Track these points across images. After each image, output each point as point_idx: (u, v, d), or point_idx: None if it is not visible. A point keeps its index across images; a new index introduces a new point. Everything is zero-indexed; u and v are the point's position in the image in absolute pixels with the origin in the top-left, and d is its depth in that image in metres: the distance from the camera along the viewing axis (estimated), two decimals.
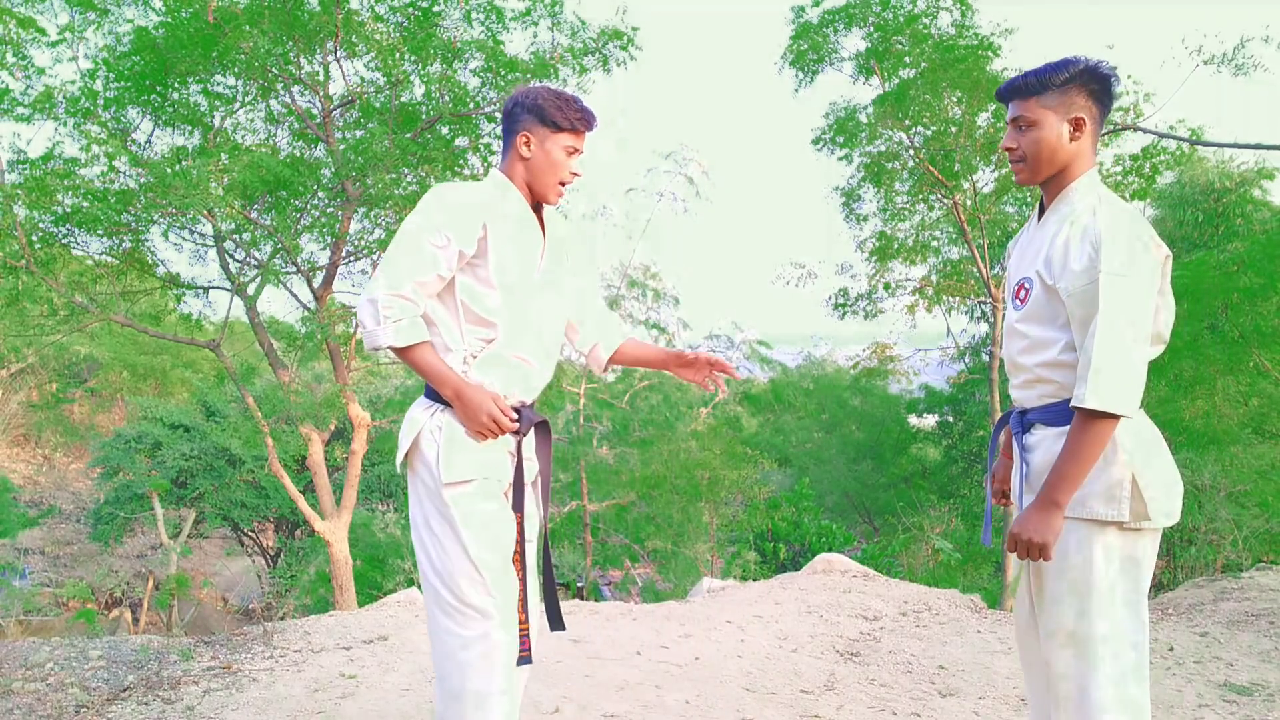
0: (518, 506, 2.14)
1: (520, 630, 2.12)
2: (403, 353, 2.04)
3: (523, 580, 2.14)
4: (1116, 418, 1.79)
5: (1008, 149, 1.99)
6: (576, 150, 2.15)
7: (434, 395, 2.13)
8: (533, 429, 2.21)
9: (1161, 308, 1.95)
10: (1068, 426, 1.89)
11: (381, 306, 1.99)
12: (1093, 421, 1.79)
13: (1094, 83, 1.91)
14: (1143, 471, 1.88)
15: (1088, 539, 1.89)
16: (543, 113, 2.10)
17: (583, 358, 2.31)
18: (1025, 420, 2.05)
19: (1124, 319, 1.78)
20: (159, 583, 12.30)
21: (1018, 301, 2.02)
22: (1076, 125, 1.92)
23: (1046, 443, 1.97)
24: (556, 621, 2.24)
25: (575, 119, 2.11)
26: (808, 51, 11.20)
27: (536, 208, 2.21)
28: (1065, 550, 1.91)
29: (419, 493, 2.12)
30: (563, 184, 2.16)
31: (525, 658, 2.12)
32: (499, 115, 7.70)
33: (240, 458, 12.60)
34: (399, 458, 2.15)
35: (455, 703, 2.06)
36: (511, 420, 2.06)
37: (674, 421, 11.25)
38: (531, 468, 2.25)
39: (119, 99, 7.13)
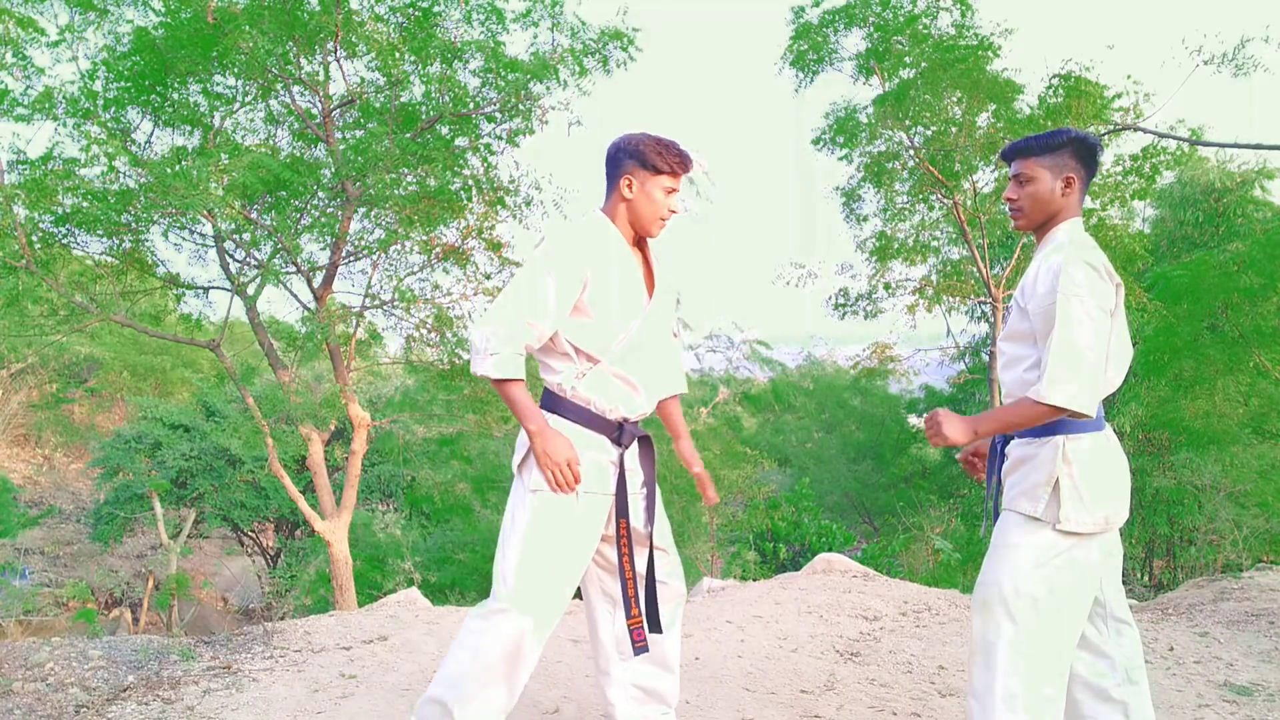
0: (622, 513, 2.30)
1: (633, 624, 2.31)
2: (497, 385, 2.22)
3: (632, 579, 2.32)
4: (1061, 410, 2.04)
5: (1009, 199, 2.30)
6: (674, 190, 2.36)
7: (545, 404, 2.32)
8: (636, 442, 2.39)
9: (1114, 333, 2.18)
10: (1036, 438, 2.19)
11: (485, 339, 2.18)
12: (1038, 404, 2.06)
13: (1083, 149, 2.24)
14: (1074, 479, 2.12)
15: (1022, 529, 2.16)
16: (644, 158, 2.31)
17: None
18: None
19: (1076, 331, 2.06)
20: (159, 583, 12.29)
21: (1005, 324, 2.33)
22: (1067, 183, 2.24)
23: (1015, 451, 2.25)
24: (654, 623, 2.39)
25: (674, 163, 2.33)
26: (808, 52, 11.20)
27: (640, 244, 2.44)
28: (1005, 536, 2.20)
29: (518, 492, 2.30)
30: (663, 219, 2.37)
31: (641, 647, 2.31)
32: (499, 115, 7.70)
33: (240, 458, 12.58)
34: (515, 460, 2.32)
35: (449, 683, 2.20)
36: (577, 481, 2.21)
37: None
38: (635, 478, 2.39)
39: (119, 99, 7.12)
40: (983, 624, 2.17)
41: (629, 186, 2.32)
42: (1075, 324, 2.05)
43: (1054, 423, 2.17)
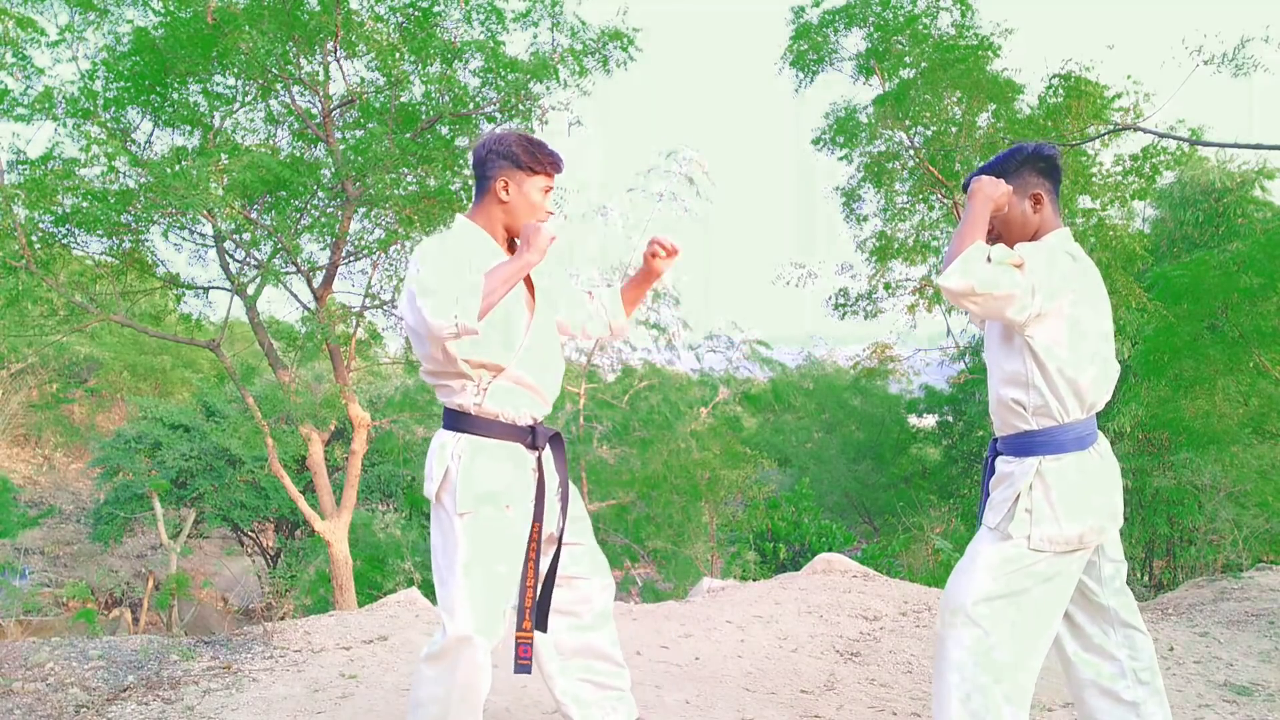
0: (537, 516, 2.25)
1: (522, 638, 2.22)
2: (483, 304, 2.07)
3: (532, 588, 2.24)
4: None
5: (987, 229, 2.23)
6: (550, 189, 2.29)
7: (452, 425, 2.23)
8: (549, 442, 2.33)
9: (1096, 342, 2.13)
10: (1016, 457, 2.19)
11: (429, 310, 2.00)
12: (952, 259, 2.07)
13: (1041, 162, 2.20)
14: (1047, 497, 2.11)
15: (989, 542, 2.18)
16: (518, 159, 2.23)
17: (598, 342, 2.46)
18: (996, 448, 2.31)
19: (1009, 256, 2.03)
20: (159, 583, 12.28)
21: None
22: (1036, 200, 2.21)
23: (1000, 467, 2.25)
24: (542, 621, 2.32)
25: (549, 162, 2.26)
26: (808, 52, 11.19)
27: (510, 246, 2.32)
28: (975, 547, 2.21)
29: (443, 519, 2.21)
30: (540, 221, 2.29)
31: (524, 666, 2.21)
32: (499, 115, 7.70)
33: (240, 458, 12.58)
34: (431, 488, 2.22)
35: (414, 712, 2.20)
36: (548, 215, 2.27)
37: (674, 421, 11.24)
38: (552, 480, 2.34)
39: (119, 99, 7.12)
40: (944, 629, 2.18)
41: (504, 189, 2.24)
42: (1014, 252, 2.06)
43: (1033, 442, 2.16)
